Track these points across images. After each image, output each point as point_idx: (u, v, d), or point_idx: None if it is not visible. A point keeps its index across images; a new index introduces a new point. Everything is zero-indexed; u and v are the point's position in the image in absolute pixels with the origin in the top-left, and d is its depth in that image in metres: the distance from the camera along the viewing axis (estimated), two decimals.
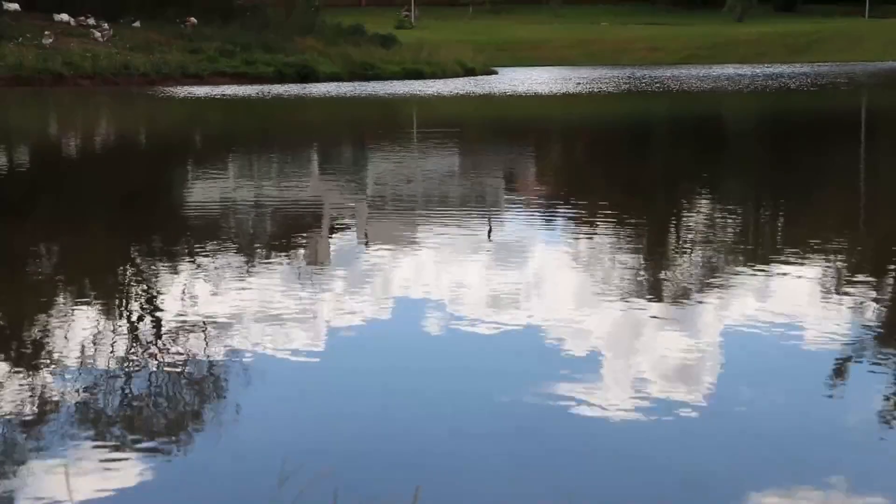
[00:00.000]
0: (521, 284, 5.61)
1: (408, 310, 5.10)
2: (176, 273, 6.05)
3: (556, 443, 3.38)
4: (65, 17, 36.70)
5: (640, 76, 36.97)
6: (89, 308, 5.23)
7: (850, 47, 54.73)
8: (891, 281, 5.70)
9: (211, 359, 4.31)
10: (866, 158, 12.69)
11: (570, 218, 7.98)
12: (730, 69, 43.67)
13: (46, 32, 34.12)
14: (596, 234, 7.22)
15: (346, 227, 7.77)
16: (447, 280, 5.71)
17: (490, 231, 7.38)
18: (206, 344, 4.52)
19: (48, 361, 4.31)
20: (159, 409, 3.80)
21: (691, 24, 63.97)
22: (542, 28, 62.90)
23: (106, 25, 36.78)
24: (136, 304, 5.36)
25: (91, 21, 37.05)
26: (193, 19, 39.29)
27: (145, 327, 4.89)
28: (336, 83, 33.57)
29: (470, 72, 40.64)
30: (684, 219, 8.05)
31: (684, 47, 56.06)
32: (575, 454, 3.30)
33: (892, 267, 6.12)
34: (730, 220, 7.98)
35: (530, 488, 3.06)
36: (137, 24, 38.07)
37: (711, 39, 57.23)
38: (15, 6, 36.22)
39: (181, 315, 5.02)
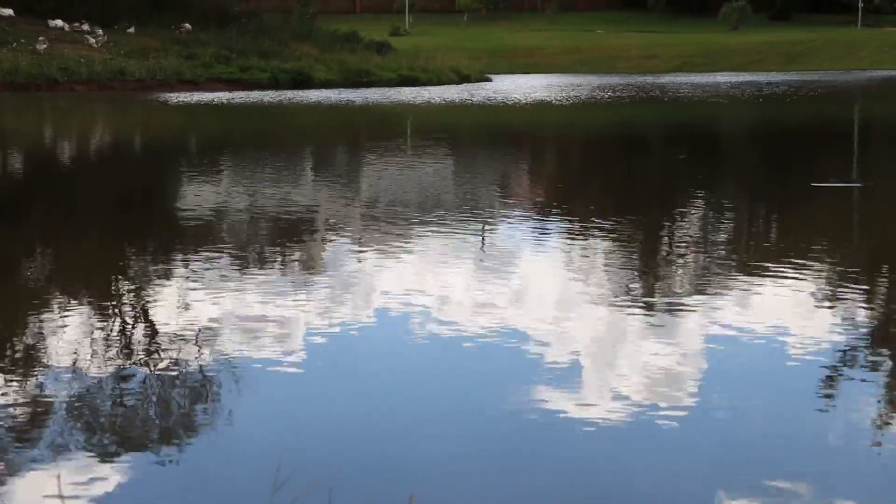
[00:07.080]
0: (512, 292, 5.61)
1: (400, 316, 5.10)
2: (168, 279, 6.05)
3: (547, 450, 3.38)
4: (59, 22, 36.71)
5: (635, 83, 37.04)
6: (81, 315, 5.22)
7: (843, 55, 54.97)
8: (877, 291, 5.72)
9: (203, 365, 4.31)
10: (858, 165, 12.71)
11: (560, 226, 7.99)
12: (723, 77, 43.78)
13: (41, 38, 34.14)
14: (585, 242, 7.23)
15: (337, 234, 7.76)
16: (439, 287, 5.71)
17: (483, 239, 7.38)
18: (199, 350, 4.52)
19: (39, 368, 4.30)
20: (152, 416, 3.80)
21: (686, 33, 64.11)
22: (538, 35, 63.00)
23: (101, 31, 36.81)
24: (128, 310, 5.35)
25: (86, 27, 37.07)
26: (188, 25, 39.31)
27: (137, 334, 4.88)
28: (331, 90, 33.58)
29: (465, 79, 40.76)
30: (669, 227, 8.05)
31: (679, 55, 56.18)
32: (565, 461, 3.30)
33: (880, 277, 6.14)
34: (715, 228, 8.00)
35: (521, 494, 3.07)
36: (132, 29, 38.10)
37: (706, 47, 57.39)
38: (9, 11, 36.22)
39: (173, 321, 5.02)
